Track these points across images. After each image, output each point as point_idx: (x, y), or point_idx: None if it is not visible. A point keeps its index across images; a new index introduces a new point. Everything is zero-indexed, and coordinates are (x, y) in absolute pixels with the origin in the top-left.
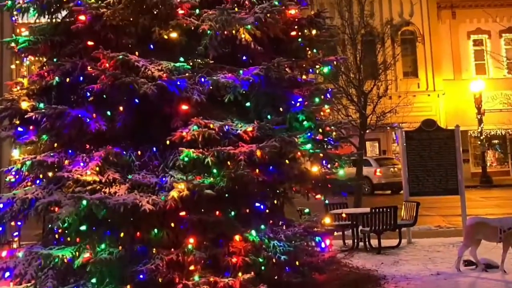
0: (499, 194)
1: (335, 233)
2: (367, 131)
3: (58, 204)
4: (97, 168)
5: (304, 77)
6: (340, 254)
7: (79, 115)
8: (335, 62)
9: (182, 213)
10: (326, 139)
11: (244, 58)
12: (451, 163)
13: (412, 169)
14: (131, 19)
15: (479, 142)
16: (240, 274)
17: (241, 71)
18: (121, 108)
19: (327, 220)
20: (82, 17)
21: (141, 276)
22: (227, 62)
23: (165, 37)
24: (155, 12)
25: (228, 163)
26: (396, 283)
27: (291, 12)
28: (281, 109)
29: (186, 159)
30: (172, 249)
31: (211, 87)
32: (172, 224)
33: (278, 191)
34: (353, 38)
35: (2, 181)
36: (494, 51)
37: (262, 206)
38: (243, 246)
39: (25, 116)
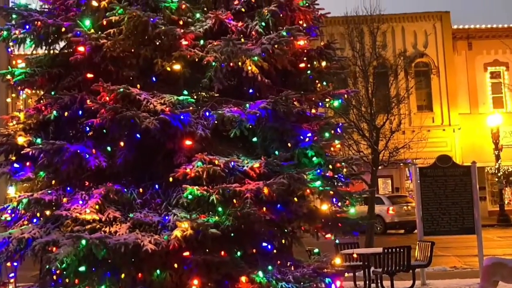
0: None
1: (346, 274)
2: (379, 168)
3: (56, 244)
4: (97, 206)
5: (313, 111)
6: None
7: (78, 151)
8: (346, 95)
9: (186, 254)
10: (336, 176)
11: (250, 91)
12: (467, 201)
13: (427, 207)
14: (132, 50)
15: (496, 179)
16: None
17: (247, 105)
18: (122, 144)
19: (337, 260)
20: (81, 48)
21: None
22: (232, 95)
23: (168, 69)
24: (157, 43)
25: (234, 201)
26: None
27: (300, 43)
28: (289, 144)
29: (190, 196)
30: None
31: (216, 122)
32: (176, 265)
33: (286, 230)
34: (365, 70)
35: None
36: None
37: (269, 246)
38: (250, 287)
39: (22, 152)
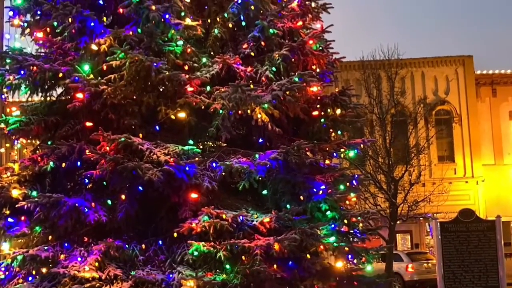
0: None
1: None
2: (398, 222)
3: None
4: (97, 264)
5: (327, 162)
6: None
7: (77, 205)
8: (362, 145)
9: None
10: (352, 231)
11: (260, 140)
12: (491, 258)
13: (448, 264)
14: (134, 97)
15: None
16: None
17: (257, 155)
18: (123, 197)
19: None
20: (79, 95)
21: None
22: (241, 145)
23: (173, 117)
24: (161, 89)
25: (243, 258)
26: None
27: (313, 90)
28: (301, 197)
29: (195, 253)
30: None
31: (223, 173)
32: None
33: None
34: (382, 118)
35: None
36: None
37: None
38: None
39: (16, 206)
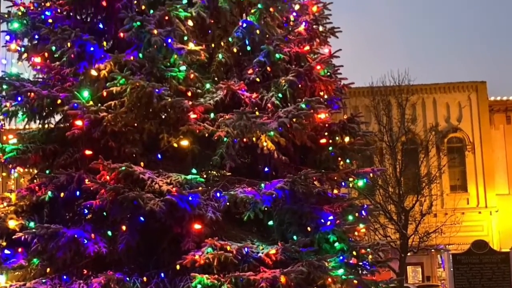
0: None
1: None
2: (409, 254)
3: None
4: None
5: (335, 191)
6: None
7: (76, 236)
8: (371, 174)
9: None
10: (361, 263)
11: (266, 169)
12: None
13: None
14: (136, 124)
15: None
16: None
17: (262, 185)
18: (123, 228)
19: None
20: (78, 122)
21: None
22: (246, 174)
23: (175, 145)
24: (163, 117)
25: None
26: None
27: (321, 117)
28: (309, 228)
29: (199, 286)
30: None
31: (228, 203)
32: None
33: None
34: (393, 146)
35: None
36: None
37: None
38: None
39: (13, 237)
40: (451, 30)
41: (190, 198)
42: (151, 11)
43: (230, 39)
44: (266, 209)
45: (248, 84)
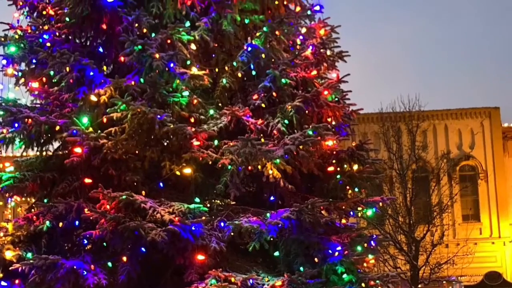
0: None
1: None
2: (419, 286)
3: None
4: None
5: (343, 221)
6: None
7: (75, 267)
8: (380, 203)
9: None
10: None
11: (271, 198)
12: None
13: None
14: (137, 151)
15: None
16: None
17: (268, 214)
18: (124, 259)
19: None
20: (78, 150)
21: None
22: (251, 203)
23: (178, 173)
24: (165, 144)
25: None
26: None
27: (328, 144)
28: (316, 259)
29: None
30: None
31: (232, 233)
32: None
33: None
34: (403, 175)
35: None
36: None
37: None
38: None
39: (10, 268)
40: (464, 55)
41: (193, 228)
42: (153, 35)
43: (234, 63)
44: (272, 239)
45: (253, 110)
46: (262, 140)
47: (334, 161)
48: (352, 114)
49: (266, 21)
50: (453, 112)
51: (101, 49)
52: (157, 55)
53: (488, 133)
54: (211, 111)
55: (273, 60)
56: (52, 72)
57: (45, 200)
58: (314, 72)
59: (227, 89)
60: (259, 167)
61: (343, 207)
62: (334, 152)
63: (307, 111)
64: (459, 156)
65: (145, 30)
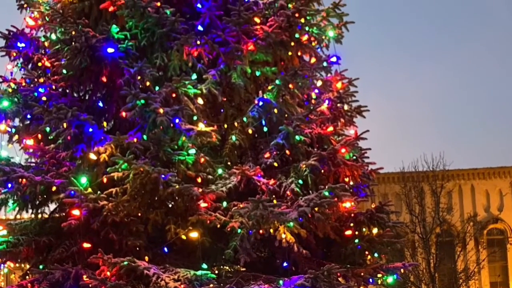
0: None
1: None
2: None
3: None
4: None
5: None
6: None
7: None
8: (402, 270)
9: None
10: None
11: (285, 264)
12: None
13: None
14: (139, 214)
15: None
16: None
17: (281, 282)
18: None
19: None
20: (76, 212)
21: None
22: (263, 269)
23: (183, 237)
24: (170, 206)
25: None
26: None
27: (346, 206)
28: None
29: None
30: None
31: None
32: None
33: None
34: (426, 239)
35: None
36: None
37: None
38: None
39: None
40: (491, 110)
41: None
42: (157, 88)
43: (244, 119)
44: None
45: (264, 169)
46: (275, 201)
47: (352, 224)
48: (372, 174)
49: (278, 73)
50: (480, 172)
51: (100, 104)
52: (161, 110)
53: None
54: (220, 171)
55: (286, 115)
56: (48, 129)
57: (41, 266)
58: (331, 129)
59: (236, 146)
60: (271, 230)
61: (362, 274)
62: (352, 215)
63: (323, 171)
64: (486, 218)
65: (148, 83)
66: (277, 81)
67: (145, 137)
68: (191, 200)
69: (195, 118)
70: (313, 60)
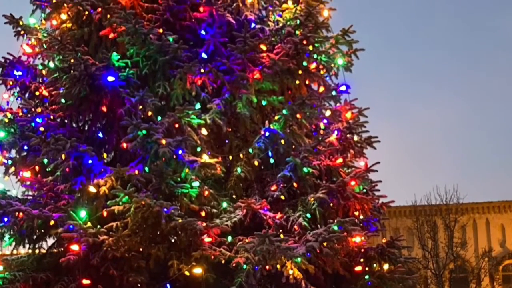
0: None
1: None
2: None
3: None
4: None
5: None
6: None
7: None
8: None
9: None
10: None
11: None
12: None
13: None
14: (141, 249)
15: None
16: None
17: None
18: None
19: None
20: (75, 247)
21: None
22: None
23: (187, 273)
24: (172, 240)
25: None
26: None
27: (356, 240)
28: None
29: None
30: None
31: None
32: None
33: None
34: (439, 275)
35: None
36: None
37: None
38: None
39: None
40: (506, 142)
41: None
42: (159, 118)
43: (250, 150)
44: None
45: (271, 203)
46: (282, 236)
47: (362, 259)
48: (382, 207)
49: (285, 102)
50: (495, 205)
51: (100, 134)
52: (163, 141)
53: None
54: (224, 204)
55: (293, 146)
56: (46, 160)
57: None
58: (340, 160)
59: (242, 179)
60: (278, 266)
61: None
62: (362, 250)
63: (331, 204)
64: (502, 254)
65: (150, 113)
66: (284, 111)
67: (146, 169)
68: (195, 234)
69: (198, 149)
70: (321, 89)
